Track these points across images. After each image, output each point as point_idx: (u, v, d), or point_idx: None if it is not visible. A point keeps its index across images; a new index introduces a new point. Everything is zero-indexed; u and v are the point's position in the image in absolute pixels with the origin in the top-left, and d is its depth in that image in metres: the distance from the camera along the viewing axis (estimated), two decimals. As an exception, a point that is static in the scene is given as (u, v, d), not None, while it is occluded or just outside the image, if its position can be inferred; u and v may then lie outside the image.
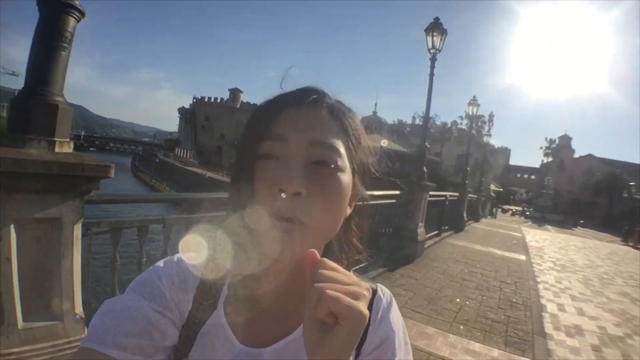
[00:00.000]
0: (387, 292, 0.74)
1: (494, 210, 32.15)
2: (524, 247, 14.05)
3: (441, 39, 9.44)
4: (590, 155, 68.04)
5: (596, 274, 11.07)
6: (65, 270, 2.20)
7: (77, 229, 2.23)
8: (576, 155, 69.14)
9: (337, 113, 0.62)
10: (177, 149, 73.04)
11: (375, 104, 70.24)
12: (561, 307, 6.82)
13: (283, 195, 0.53)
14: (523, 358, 4.27)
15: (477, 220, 20.51)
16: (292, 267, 0.59)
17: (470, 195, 17.69)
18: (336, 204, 0.58)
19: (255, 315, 0.63)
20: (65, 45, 2.17)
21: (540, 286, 8.16)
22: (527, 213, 45.50)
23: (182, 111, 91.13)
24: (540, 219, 40.59)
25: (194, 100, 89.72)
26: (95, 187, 2.23)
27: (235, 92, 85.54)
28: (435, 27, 9.43)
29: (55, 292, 2.16)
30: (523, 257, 11.50)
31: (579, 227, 40.19)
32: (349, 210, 0.65)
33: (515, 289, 7.37)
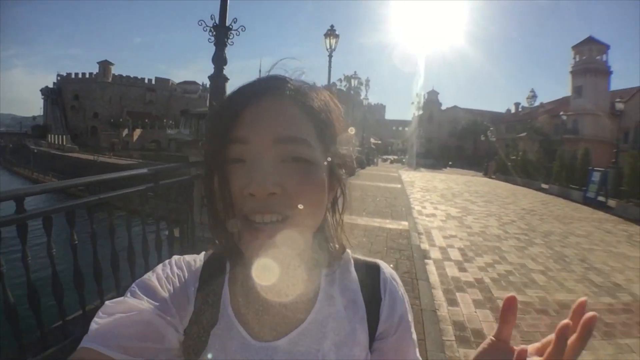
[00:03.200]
0: (388, 267, 0.75)
1: (375, 160, 37.29)
2: (400, 181, 19.06)
3: (336, 41, 13.81)
4: (455, 107, 77.46)
5: (451, 192, 16.07)
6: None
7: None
8: (443, 107, 77.98)
9: (301, 97, 0.58)
10: (49, 136, 65.81)
11: (260, 71, 72.97)
12: (424, 207, 11.30)
13: (255, 198, 0.53)
14: (402, 222, 8.25)
15: (363, 168, 25.20)
16: (291, 252, 0.58)
17: (356, 148, 21.98)
18: (314, 196, 0.56)
19: (262, 310, 0.63)
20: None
21: (411, 199, 12.69)
22: (404, 160, 51.86)
23: (47, 92, 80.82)
24: (413, 164, 47.06)
25: (59, 78, 80.00)
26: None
27: (105, 65, 77.67)
28: (331, 32, 13.98)
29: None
30: (399, 186, 16.36)
31: (447, 168, 47.29)
32: (330, 197, 0.64)
33: (394, 200, 11.72)
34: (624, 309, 4.78)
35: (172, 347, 0.59)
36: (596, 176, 15.83)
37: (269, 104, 0.57)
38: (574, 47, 49.39)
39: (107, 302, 0.58)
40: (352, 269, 0.71)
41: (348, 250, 0.72)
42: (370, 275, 0.72)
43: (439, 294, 4.74)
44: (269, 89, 0.58)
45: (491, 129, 61.67)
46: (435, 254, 6.49)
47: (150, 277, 0.63)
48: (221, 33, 4.62)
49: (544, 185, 20.77)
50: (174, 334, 0.59)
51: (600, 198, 15.31)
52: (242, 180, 0.54)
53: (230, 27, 4.65)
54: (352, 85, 22.75)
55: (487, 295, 4.86)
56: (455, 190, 16.80)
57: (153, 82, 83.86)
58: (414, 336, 0.72)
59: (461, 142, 70.68)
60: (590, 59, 47.18)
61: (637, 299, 5.09)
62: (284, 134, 0.55)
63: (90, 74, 78.24)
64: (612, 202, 14.30)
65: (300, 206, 0.54)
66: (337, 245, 0.68)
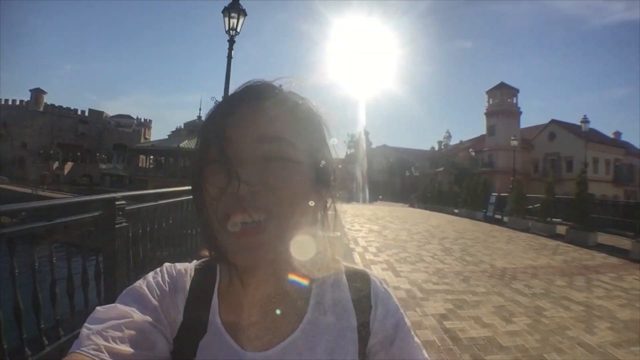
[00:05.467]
0: (377, 275, 0.75)
1: (310, 196, 39.87)
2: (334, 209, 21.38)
3: (239, 21, 9.43)
4: (384, 145, 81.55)
5: (375, 216, 18.83)
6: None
7: None
8: (374, 146, 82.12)
9: (287, 100, 0.60)
10: None
11: (200, 109, 68.68)
12: (352, 226, 13.85)
13: (238, 195, 0.53)
14: (336, 232, 10.64)
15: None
16: (278, 267, 0.61)
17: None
18: (296, 195, 0.56)
19: (252, 320, 0.63)
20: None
21: (344, 221, 15.05)
22: (337, 195, 54.83)
23: None
24: (347, 198, 50.03)
25: None
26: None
27: (37, 93, 72.63)
28: (233, 7, 9.34)
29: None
30: (333, 212, 18.57)
31: (378, 201, 50.46)
32: (320, 205, 0.67)
33: (331, 221, 14.04)
34: (481, 271, 7.43)
35: (162, 356, 0.59)
36: (493, 199, 19.47)
37: (254, 105, 0.57)
38: (488, 92, 54.34)
39: (98, 308, 0.58)
40: (344, 277, 0.71)
41: (338, 258, 0.74)
42: (360, 284, 0.70)
43: (360, 266, 7.18)
44: (254, 92, 0.59)
45: (416, 165, 66.54)
46: (358, 249, 8.97)
47: (141, 284, 0.64)
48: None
49: (455, 210, 24.30)
50: (164, 342, 0.59)
51: (497, 216, 18.69)
52: (220, 178, 0.54)
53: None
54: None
55: (391, 266, 7.38)
56: (379, 215, 19.55)
57: (86, 113, 78.74)
58: (417, 340, 0.68)
59: (390, 177, 74.21)
60: (502, 102, 51.88)
61: (494, 267, 7.77)
62: (267, 133, 0.56)
63: (21, 101, 73.40)
64: (507, 219, 17.52)
65: (276, 207, 0.54)
66: (328, 255, 0.71)
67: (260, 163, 0.55)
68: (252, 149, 0.55)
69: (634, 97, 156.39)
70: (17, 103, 72.87)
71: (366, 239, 10.71)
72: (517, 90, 54.24)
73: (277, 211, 0.54)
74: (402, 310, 0.71)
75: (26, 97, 73.62)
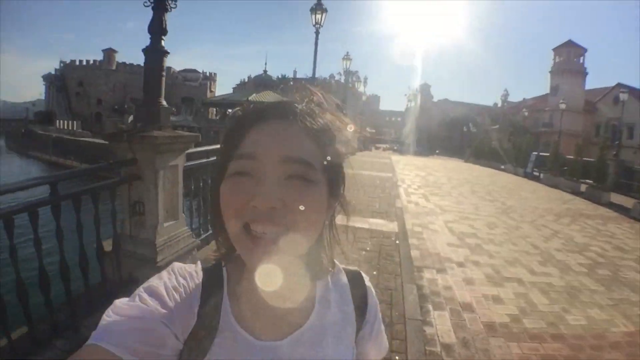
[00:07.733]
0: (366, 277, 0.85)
1: (370, 146, 42.70)
2: (389, 159, 24.87)
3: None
4: (445, 100, 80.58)
5: (425, 166, 21.85)
6: (180, 194, 4.02)
7: (181, 171, 4.05)
8: (435, 100, 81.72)
9: (307, 121, 0.62)
10: (57, 122, 61.86)
11: (265, 63, 68.89)
12: (402, 172, 16.98)
13: (258, 210, 0.56)
14: (388, 173, 13.91)
15: (361, 151, 30.63)
16: (289, 261, 0.61)
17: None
18: (312, 214, 0.59)
19: (263, 315, 0.67)
20: (163, 74, 3.87)
21: (396, 169, 18.32)
22: (395, 148, 56.86)
23: (50, 78, 78.71)
24: (404, 151, 52.12)
25: (62, 65, 78.66)
26: (190, 147, 4.10)
27: (109, 53, 76.80)
28: (318, 7, 13.16)
29: (177, 206, 4.00)
30: (388, 161, 22.24)
31: (434, 155, 51.96)
32: (328, 214, 0.68)
33: (384, 166, 17.51)
34: (492, 205, 10.36)
35: (171, 355, 0.61)
36: (533, 157, 21.77)
37: (277, 125, 0.61)
38: (555, 49, 53.19)
39: (116, 302, 0.61)
40: (343, 277, 0.79)
41: (335, 260, 0.77)
42: (357, 282, 0.81)
43: (402, 195, 10.32)
44: (277, 111, 0.62)
45: (477, 120, 66.94)
46: (403, 185, 12.22)
47: (158, 284, 0.65)
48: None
49: (502, 166, 26.41)
50: (174, 343, 0.61)
51: (535, 173, 21.02)
52: (247, 192, 0.57)
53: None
54: (345, 66, 25.72)
55: (425, 197, 10.55)
56: (428, 165, 22.52)
57: (156, 69, 79.49)
58: (382, 326, 0.85)
59: (450, 132, 73.87)
60: (569, 61, 50.94)
61: (504, 204, 10.64)
62: (290, 155, 0.58)
63: (95, 61, 77.66)
64: (542, 176, 19.87)
65: (297, 222, 0.57)
66: (330, 257, 0.74)
67: (280, 181, 0.58)
68: (275, 168, 0.58)
69: None
70: (91, 63, 77.09)
71: (411, 179, 13.85)
72: (585, 50, 52.61)
73: (294, 227, 0.58)
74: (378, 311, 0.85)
75: (98, 56, 77.84)
